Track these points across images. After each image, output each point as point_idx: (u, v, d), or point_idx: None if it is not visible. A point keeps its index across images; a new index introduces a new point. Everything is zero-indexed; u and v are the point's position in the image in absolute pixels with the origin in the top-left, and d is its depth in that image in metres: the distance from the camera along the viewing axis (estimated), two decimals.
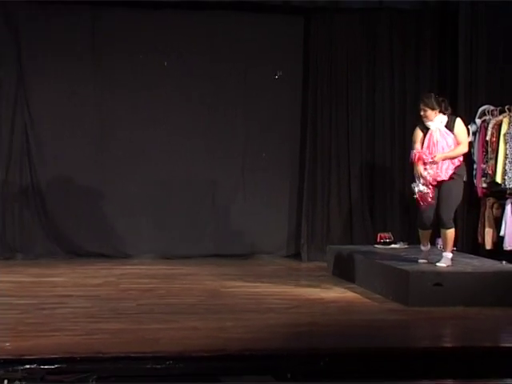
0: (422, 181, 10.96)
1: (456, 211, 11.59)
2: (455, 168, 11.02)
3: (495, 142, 12.60)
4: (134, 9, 14.61)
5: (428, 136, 11.14)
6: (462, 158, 11.10)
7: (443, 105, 11.19)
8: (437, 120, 11.11)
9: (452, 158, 10.98)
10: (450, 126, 11.11)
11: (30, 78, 14.61)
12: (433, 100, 11.20)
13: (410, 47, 15.10)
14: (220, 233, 15.01)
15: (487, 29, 13.72)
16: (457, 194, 11.18)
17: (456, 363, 7.94)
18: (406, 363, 7.90)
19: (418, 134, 11.24)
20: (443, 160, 10.95)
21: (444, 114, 11.18)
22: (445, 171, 10.94)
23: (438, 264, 11.10)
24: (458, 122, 11.17)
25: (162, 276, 12.89)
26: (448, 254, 11.13)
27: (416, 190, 10.98)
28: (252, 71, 15.05)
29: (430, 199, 10.98)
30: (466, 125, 11.50)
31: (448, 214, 11.15)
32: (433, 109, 11.12)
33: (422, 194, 11.02)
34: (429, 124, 11.15)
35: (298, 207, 15.11)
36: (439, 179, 10.97)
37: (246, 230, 14.98)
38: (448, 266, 11.02)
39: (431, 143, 11.08)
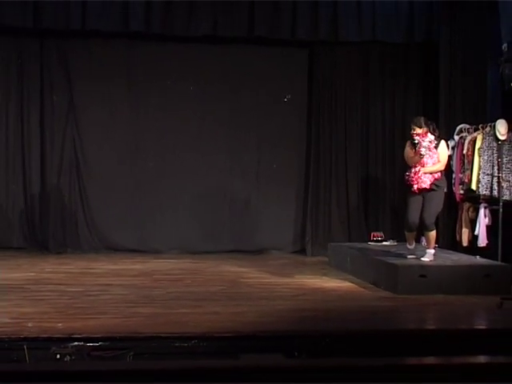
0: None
1: (437, 216, 11.75)
2: (435, 180, 11.17)
3: (471, 155, 12.57)
4: (164, 42, 14.67)
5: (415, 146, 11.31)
6: (440, 173, 11.26)
7: (431, 127, 11.36)
8: (425, 139, 11.22)
9: (431, 172, 11.17)
10: (436, 145, 11.25)
11: (78, 101, 14.68)
12: (421, 120, 11.36)
13: (399, 75, 15.10)
14: (237, 232, 15.03)
15: (463, 60, 13.75)
16: (437, 203, 11.36)
17: (437, 343, 8.13)
18: (395, 343, 8.05)
19: (407, 149, 11.42)
20: (424, 173, 11.15)
21: (432, 134, 11.32)
22: (427, 179, 11.11)
23: (422, 259, 11.24)
24: (442, 143, 11.37)
25: (187, 268, 12.92)
26: (431, 251, 11.28)
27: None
28: (264, 95, 15.04)
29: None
30: (447, 145, 11.68)
31: (430, 220, 11.31)
32: (420, 127, 11.25)
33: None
34: (416, 139, 11.28)
35: (304, 210, 15.13)
36: (423, 186, 11.11)
37: (259, 229, 15.02)
38: (431, 261, 11.15)
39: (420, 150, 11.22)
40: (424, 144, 11.16)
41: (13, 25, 13.89)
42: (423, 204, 11.29)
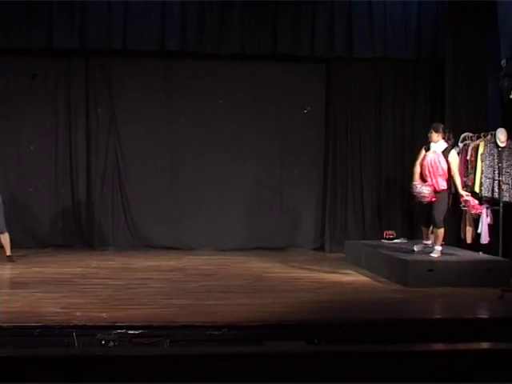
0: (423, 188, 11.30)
1: (445, 217, 11.75)
2: (442, 190, 11.35)
3: (474, 160, 12.51)
4: (196, 60, 14.65)
5: (424, 156, 11.38)
6: (446, 181, 11.41)
7: (447, 134, 11.44)
8: (438, 144, 11.32)
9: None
10: (446, 153, 11.30)
11: (119, 115, 14.78)
12: (440, 127, 11.50)
13: (408, 89, 15.05)
14: (262, 231, 14.98)
15: (466, 74, 13.74)
16: (443, 204, 11.38)
17: (444, 330, 8.14)
18: (405, 331, 8.08)
19: (421, 152, 11.52)
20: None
21: (446, 142, 11.40)
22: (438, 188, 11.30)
23: (430, 255, 11.24)
24: (453, 152, 11.45)
25: (217, 264, 12.93)
26: (438, 247, 11.23)
27: (417, 190, 11.30)
28: (286, 108, 15.02)
29: (427, 198, 11.31)
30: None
31: (439, 218, 11.32)
32: (437, 131, 11.36)
33: (421, 195, 11.33)
34: (431, 145, 11.37)
35: (322, 211, 15.09)
36: (433, 200, 11.30)
37: (283, 229, 15.01)
38: (438, 257, 11.14)
39: (425, 162, 11.32)
40: (422, 190, 11.37)
41: (61, 46, 14.01)
42: (432, 205, 11.34)
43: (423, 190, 11.37)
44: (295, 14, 14.29)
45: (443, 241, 11.59)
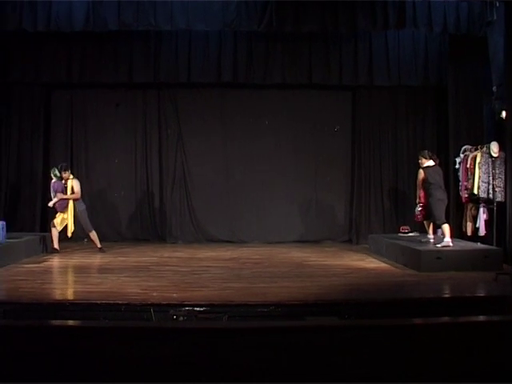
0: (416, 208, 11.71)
1: (448, 215, 11.72)
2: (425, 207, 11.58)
3: (472, 168, 12.42)
4: (246, 89, 14.69)
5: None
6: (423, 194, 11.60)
7: (433, 156, 11.66)
8: (427, 163, 11.50)
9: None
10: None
11: (185, 134, 14.82)
12: (425, 153, 11.66)
13: (418, 110, 14.86)
14: (301, 227, 14.91)
15: (465, 98, 13.64)
16: (434, 207, 11.32)
17: (449, 306, 8.12)
18: (419, 307, 8.04)
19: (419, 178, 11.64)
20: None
21: (434, 161, 11.54)
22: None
23: (438, 245, 11.16)
24: (420, 170, 11.60)
25: (265, 254, 12.88)
26: (446, 238, 11.15)
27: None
28: (319, 127, 14.94)
29: (419, 218, 11.72)
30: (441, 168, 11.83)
31: (439, 218, 11.33)
32: (425, 158, 11.52)
33: (416, 215, 11.71)
34: (423, 166, 11.52)
35: (350, 211, 14.97)
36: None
37: (318, 225, 14.92)
38: (444, 247, 11.04)
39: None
40: (415, 211, 11.80)
41: (139, 81, 14.22)
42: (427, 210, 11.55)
43: (415, 211, 11.76)
44: (325, 50, 14.25)
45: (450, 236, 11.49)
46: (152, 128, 14.95)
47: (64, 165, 12.82)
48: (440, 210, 11.34)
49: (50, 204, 12.63)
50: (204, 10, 12.24)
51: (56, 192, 12.55)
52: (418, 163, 11.75)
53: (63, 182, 12.63)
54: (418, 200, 11.77)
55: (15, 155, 14.42)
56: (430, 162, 11.55)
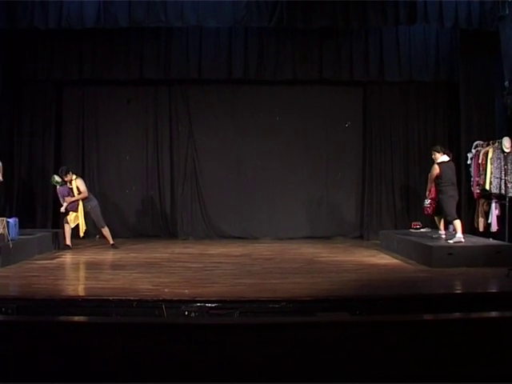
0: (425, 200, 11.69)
1: (460, 210, 11.71)
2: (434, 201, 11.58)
3: (484, 163, 12.42)
4: (257, 85, 14.70)
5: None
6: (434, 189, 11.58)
7: (446, 151, 11.65)
8: (442, 158, 11.41)
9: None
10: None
11: (196, 131, 14.86)
12: (438, 148, 11.59)
13: (430, 106, 14.84)
14: (312, 223, 14.89)
15: (477, 93, 13.61)
16: (446, 203, 11.32)
17: (461, 302, 8.02)
18: (430, 303, 8.01)
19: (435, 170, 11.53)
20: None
21: (447, 156, 11.50)
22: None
23: (449, 241, 11.14)
24: (434, 165, 11.53)
25: (276, 250, 12.87)
26: (458, 234, 11.12)
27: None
28: (330, 123, 14.94)
29: (428, 210, 11.67)
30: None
31: (450, 214, 11.34)
32: (438, 152, 11.45)
33: (425, 207, 11.67)
34: (437, 161, 11.46)
35: (361, 206, 14.94)
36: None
37: (329, 221, 14.91)
38: (456, 243, 11.00)
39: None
40: (424, 203, 11.81)
41: (150, 77, 14.23)
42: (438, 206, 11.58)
43: (424, 203, 11.75)
44: (336, 45, 14.22)
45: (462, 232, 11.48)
46: (163, 124, 14.97)
47: (64, 168, 12.80)
48: (451, 206, 11.31)
49: (62, 209, 12.68)
50: (214, 7, 12.25)
51: (63, 197, 12.60)
52: (432, 158, 11.72)
53: (68, 184, 12.66)
54: (427, 193, 11.72)
55: (27, 152, 14.49)
56: (445, 157, 11.50)
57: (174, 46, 14.08)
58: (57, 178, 12.66)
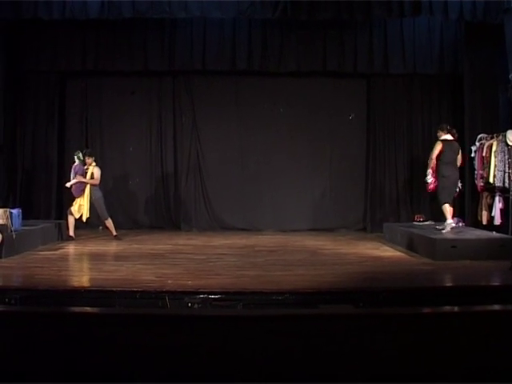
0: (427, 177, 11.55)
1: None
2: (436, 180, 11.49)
3: (488, 156, 12.41)
4: (261, 77, 14.66)
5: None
6: (432, 170, 11.50)
7: (452, 131, 11.52)
8: (444, 137, 11.41)
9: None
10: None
11: (200, 122, 14.87)
12: (443, 126, 11.59)
13: (434, 99, 14.85)
14: (316, 215, 14.88)
15: (481, 86, 13.57)
16: (439, 184, 11.37)
17: (464, 295, 7.93)
18: (434, 295, 7.95)
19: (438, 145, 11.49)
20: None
21: (452, 136, 11.44)
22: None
23: (442, 231, 11.16)
24: (437, 142, 11.50)
25: (280, 242, 12.83)
26: (448, 221, 11.16)
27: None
28: (334, 115, 14.91)
29: (431, 187, 11.57)
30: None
31: (440, 197, 11.35)
32: (442, 131, 11.44)
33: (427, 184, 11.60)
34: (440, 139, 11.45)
35: (365, 199, 14.91)
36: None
37: (332, 213, 14.90)
38: (447, 231, 11.07)
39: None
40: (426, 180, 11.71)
41: (154, 69, 14.25)
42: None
43: (426, 180, 11.67)
44: (340, 37, 14.22)
45: (452, 217, 11.56)
46: (167, 115, 14.97)
47: (88, 150, 13.09)
48: (441, 187, 11.37)
49: (68, 184, 12.73)
50: None
51: (76, 174, 12.65)
52: (437, 137, 11.70)
53: (85, 167, 12.71)
54: (428, 170, 11.63)
55: (30, 143, 14.51)
56: (448, 136, 11.45)
57: (178, 38, 14.09)
58: (80, 154, 12.78)
